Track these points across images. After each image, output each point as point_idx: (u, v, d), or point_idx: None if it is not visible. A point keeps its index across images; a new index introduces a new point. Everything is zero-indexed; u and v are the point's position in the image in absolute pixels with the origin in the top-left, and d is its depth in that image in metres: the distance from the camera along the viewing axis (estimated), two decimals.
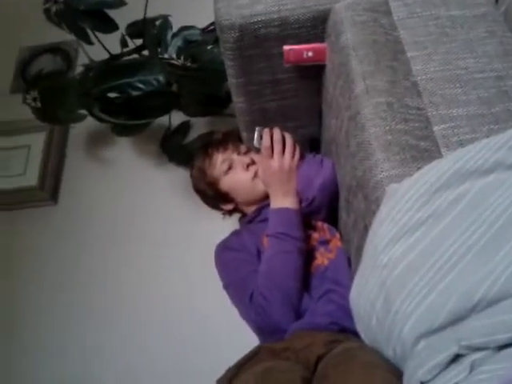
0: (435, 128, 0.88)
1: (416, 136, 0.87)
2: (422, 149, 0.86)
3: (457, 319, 0.65)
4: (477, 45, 0.95)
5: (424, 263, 0.71)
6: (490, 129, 0.85)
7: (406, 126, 0.88)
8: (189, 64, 1.50)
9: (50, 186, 1.83)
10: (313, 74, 1.18)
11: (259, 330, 1.05)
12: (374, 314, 0.76)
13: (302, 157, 1.21)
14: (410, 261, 0.73)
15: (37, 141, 1.89)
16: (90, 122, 1.61)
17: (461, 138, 0.86)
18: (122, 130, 1.61)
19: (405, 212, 0.76)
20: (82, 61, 1.83)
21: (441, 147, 0.86)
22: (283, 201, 1.15)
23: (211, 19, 1.14)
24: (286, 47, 1.10)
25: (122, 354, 1.51)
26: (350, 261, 1.07)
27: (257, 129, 1.19)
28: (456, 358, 0.63)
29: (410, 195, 0.77)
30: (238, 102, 1.26)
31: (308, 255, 1.12)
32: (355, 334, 0.89)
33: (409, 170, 0.83)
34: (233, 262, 1.18)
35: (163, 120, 1.70)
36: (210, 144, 1.37)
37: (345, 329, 0.98)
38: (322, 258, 1.12)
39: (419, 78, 0.94)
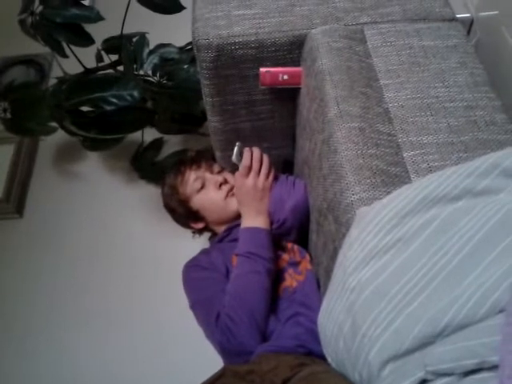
0: (405, 154, 0.90)
1: (386, 161, 0.88)
2: (392, 174, 0.87)
3: (423, 344, 0.65)
4: (448, 75, 0.97)
5: (391, 287, 0.72)
6: (459, 156, 0.87)
7: (377, 151, 0.89)
8: (164, 81, 1.49)
9: (16, 199, 1.79)
10: (288, 96, 1.19)
11: (224, 351, 1.03)
12: (342, 338, 0.76)
13: (275, 178, 1.21)
14: (378, 285, 0.73)
15: (5, 153, 1.86)
16: (60, 136, 1.59)
17: (430, 164, 0.87)
18: (93, 145, 1.59)
19: (374, 235, 0.76)
20: (55, 74, 1.82)
21: (410, 173, 0.88)
22: (255, 220, 1.15)
23: (189, 38, 1.15)
24: (263, 69, 1.11)
25: (82, 372, 1.46)
26: (319, 283, 1.07)
27: (237, 144, 1.19)
28: (422, 383, 0.62)
29: (379, 219, 0.78)
30: (212, 122, 1.26)
31: (277, 276, 1.11)
32: (322, 358, 0.88)
33: (379, 193, 0.84)
34: (200, 281, 1.16)
35: (136, 136, 1.69)
36: (183, 161, 1.36)
37: (312, 352, 0.97)
38: (291, 280, 1.11)
39: (391, 105, 0.96)
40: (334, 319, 0.79)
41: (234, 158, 1.18)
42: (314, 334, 0.91)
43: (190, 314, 1.13)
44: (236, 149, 1.18)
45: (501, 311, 0.61)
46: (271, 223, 1.16)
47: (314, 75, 1.02)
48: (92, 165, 1.84)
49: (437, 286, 0.69)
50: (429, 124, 0.92)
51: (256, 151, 1.19)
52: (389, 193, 0.83)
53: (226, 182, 1.30)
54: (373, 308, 0.71)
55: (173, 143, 1.79)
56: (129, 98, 1.40)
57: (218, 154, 1.37)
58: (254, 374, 0.91)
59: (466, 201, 0.75)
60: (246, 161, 1.16)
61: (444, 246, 0.71)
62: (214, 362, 1.03)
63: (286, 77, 1.11)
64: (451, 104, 0.94)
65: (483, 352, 0.58)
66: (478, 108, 0.93)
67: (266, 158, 1.20)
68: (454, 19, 1.08)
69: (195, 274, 1.18)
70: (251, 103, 1.21)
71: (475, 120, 0.91)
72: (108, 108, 1.39)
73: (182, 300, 1.16)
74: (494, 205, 0.72)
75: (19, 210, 1.78)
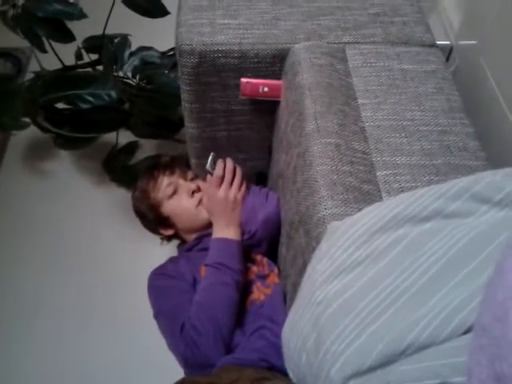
0: (378, 173, 0.91)
1: (360, 179, 0.89)
2: (364, 191, 0.88)
3: (386, 362, 0.65)
4: (425, 99, 0.99)
5: (357, 304, 0.71)
6: (430, 179, 0.88)
7: (351, 168, 0.90)
8: (143, 84, 1.48)
9: None
10: (267, 109, 1.20)
11: (187, 362, 1.01)
12: (305, 352, 0.75)
13: (248, 189, 1.21)
14: (344, 300, 0.73)
15: None
16: (32, 132, 1.55)
17: (402, 185, 0.88)
18: (65, 143, 1.56)
19: (343, 250, 0.76)
20: (33, 69, 1.78)
21: (382, 192, 0.89)
22: (226, 231, 1.14)
23: (171, 44, 1.14)
24: (244, 80, 1.11)
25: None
26: (286, 298, 1.06)
27: (212, 154, 1.19)
28: None
29: (349, 234, 0.78)
30: (189, 128, 1.25)
31: (245, 289, 1.10)
32: (284, 374, 0.87)
33: (350, 210, 0.85)
34: (166, 289, 1.13)
35: (110, 137, 1.66)
36: (156, 166, 1.34)
37: (274, 367, 0.96)
38: (258, 293, 1.10)
39: (367, 124, 0.97)
40: (298, 332, 0.78)
41: (207, 166, 1.17)
42: (277, 349, 0.90)
43: (154, 324, 1.10)
44: (210, 158, 1.18)
45: (465, 332, 0.62)
46: (242, 234, 1.16)
47: (294, 89, 1.03)
48: (63, 163, 1.81)
49: (402, 304, 0.69)
50: (403, 145, 0.93)
51: (229, 162, 1.19)
52: (360, 209, 0.83)
53: (198, 189, 1.29)
54: (338, 323, 0.71)
55: (147, 148, 1.77)
56: (106, 97, 1.38)
57: (193, 162, 1.36)
58: None
59: (436, 222, 0.75)
60: (219, 170, 1.16)
61: (411, 266, 0.72)
62: (176, 375, 1.01)
63: (266, 89, 1.12)
64: (426, 128, 0.96)
65: (445, 373, 0.58)
66: (452, 133, 0.95)
67: (239, 170, 1.20)
68: (433, 45, 1.11)
69: (161, 282, 1.16)
70: (230, 112, 1.21)
71: (448, 145, 0.93)
72: (84, 106, 1.37)
73: (147, 308, 1.13)
74: (463, 228, 0.73)
75: None
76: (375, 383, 0.64)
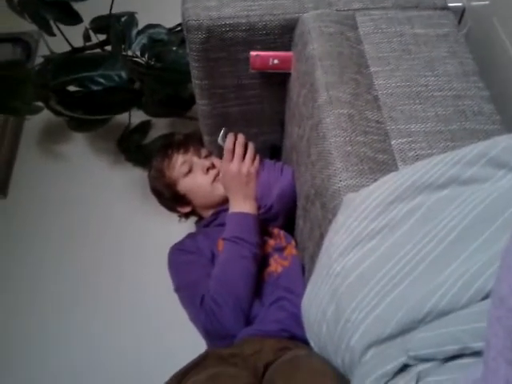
0: (393, 142, 0.90)
1: (374, 148, 0.88)
2: (379, 161, 0.87)
3: (405, 330, 0.66)
4: (438, 64, 0.97)
5: (376, 273, 0.72)
6: (446, 145, 0.87)
7: (365, 138, 0.89)
8: (152, 63, 1.47)
9: (0, 179, 1.76)
10: (277, 81, 1.18)
11: (208, 334, 1.04)
12: (325, 322, 0.76)
13: (262, 164, 1.21)
14: (363, 270, 0.73)
15: None
16: (45, 116, 1.56)
17: (417, 152, 0.88)
18: (79, 125, 1.56)
19: (360, 221, 0.77)
20: (42, 52, 1.77)
21: (397, 161, 0.88)
22: (242, 205, 1.15)
23: (178, 20, 1.13)
24: (253, 53, 1.10)
25: (69, 352, 1.46)
26: (304, 269, 1.07)
27: (223, 128, 1.19)
28: (404, 368, 0.63)
29: (366, 205, 0.78)
30: (201, 105, 1.24)
31: (262, 261, 1.12)
32: (305, 342, 0.89)
33: (366, 180, 0.84)
34: (186, 264, 1.16)
35: (122, 118, 1.66)
36: (170, 145, 1.35)
37: (294, 336, 0.98)
38: (276, 265, 1.12)
39: (380, 92, 0.95)
40: (317, 304, 0.79)
41: (219, 139, 1.18)
42: (297, 319, 0.92)
43: (175, 297, 1.13)
44: (222, 132, 1.18)
45: (484, 298, 0.62)
46: (258, 208, 1.16)
47: (305, 60, 1.02)
48: (77, 146, 1.82)
49: (420, 273, 0.70)
50: (417, 112, 0.92)
51: (240, 136, 1.19)
52: (376, 180, 0.83)
53: (213, 166, 1.30)
54: (356, 293, 0.71)
55: (160, 126, 1.77)
56: (116, 78, 1.38)
57: (205, 139, 1.36)
58: (237, 358, 0.91)
59: (452, 189, 0.75)
60: (228, 144, 1.16)
61: (429, 234, 0.72)
62: (199, 347, 1.03)
63: (276, 61, 1.10)
64: (440, 93, 0.94)
65: (465, 338, 0.59)
66: (467, 98, 0.93)
67: (250, 144, 1.20)
68: (445, 8, 1.08)
69: (181, 258, 1.18)
70: (240, 87, 1.20)
71: (463, 109, 0.92)
72: (95, 88, 1.37)
73: (168, 283, 1.15)
74: (480, 194, 0.72)
75: (3, 190, 1.75)
76: (395, 351, 0.64)
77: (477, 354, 0.58)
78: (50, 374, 1.43)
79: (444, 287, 0.65)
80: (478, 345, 0.58)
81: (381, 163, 0.87)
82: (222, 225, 1.17)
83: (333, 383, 0.74)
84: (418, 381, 0.61)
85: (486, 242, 0.68)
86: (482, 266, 0.65)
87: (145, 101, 1.53)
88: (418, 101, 0.93)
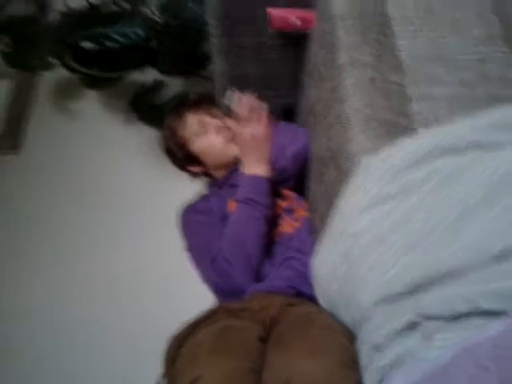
0: (414, 105, 0.88)
1: (395, 112, 0.87)
2: (399, 125, 0.86)
3: (416, 289, 0.66)
4: (462, 26, 0.94)
5: (391, 236, 0.72)
6: (467, 110, 0.85)
7: (385, 102, 0.88)
8: (169, 21, 1.45)
9: (14, 135, 1.76)
10: (297, 42, 1.16)
11: (220, 291, 1.05)
12: (336, 280, 0.77)
13: (276, 126, 1.19)
14: (378, 232, 0.73)
15: (3, 88, 1.82)
16: (59, 72, 1.55)
17: (438, 117, 0.86)
18: (92, 82, 1.56)
19: (376, 183, 0.76)
20: (56, 8, 1.75)
21: (417, 125, 0.86)
22: (256, 168, 1.14)
23: None
24: (273, 10, 1.07)
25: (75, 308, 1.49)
26: (314, 230, 1.07)
27: (230, 88, 1.17)
28: (412, 325, 0.63)
29: (383, 168, 0.77)
30: (217, 64, 1.22)
31: (273, 222, 1.12)
32: (311, 299, 0.91)
33: (384, 144, 0.83)
34: (197, 224, 1.16)
35: (136, 77, 1.65)
36: (183, 104, 1.33)
37: (301, 293, 0.99)
38: (286, 226, 1.12)
39: (403, 53, 0.93)
40: (329, 262, 0.79)
41: (225, 99, 1.16)
42: (305, 278, 0.94)
43: (186, 256, 1.14)
44: (228, 92, 1.16)
45: (499, 261, 0.62)
46: (272, 169, 1.16)
47: (326, 19, 0.99)
48: (91, 103, 1.81)
49: (436, 237, 0.69)
50: (440, 76, 0.90)
51: (253, 99, 1.17)
52: (395, 143, 0.82)
53: (226, 127, 1.28)
54: (371, 254, 0.72)
55: (174, 86, 1.75)
56: (133, 35, 1.36)
57: (220, 99, 1.34)
58: (246, 312, 0.93)
59: (473, 154, 0.74)
60: (243, 110, 1.14)
61: (448, 198, 0.71)
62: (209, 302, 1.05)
63: (297, 20, 1.08)
64: (463, 57, 0.92)
65: (475, 298, 0.59)
66: (490, 61, 0.91)
67: (264, 106, 1.17)
68: None
69: (192, 218, 1.18)
70: (258, 47, 1.18)
71: (487, 74, 0.89)
72: (111, 45, 1.36)
73: (179, 243, 1.16)
74: (502, 159, 0.71)
75: (16, 145, 1.76)
76: (404, 308, 0.65)
77: (485, 314, 0.58)
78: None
79: (458, 251, 0.65)
80: (488, 305, 0.58)
81: (400, 127, 0.86)
82: (234, 185, 1.17)
83: (343, 337, 0.76)
84: (426, 338, 0.61)
85: (504, 209, 0.67)
86: (498, 232, 0.65)
87: (160, 59, 1.51)
88: (440, 64, 0.91)
